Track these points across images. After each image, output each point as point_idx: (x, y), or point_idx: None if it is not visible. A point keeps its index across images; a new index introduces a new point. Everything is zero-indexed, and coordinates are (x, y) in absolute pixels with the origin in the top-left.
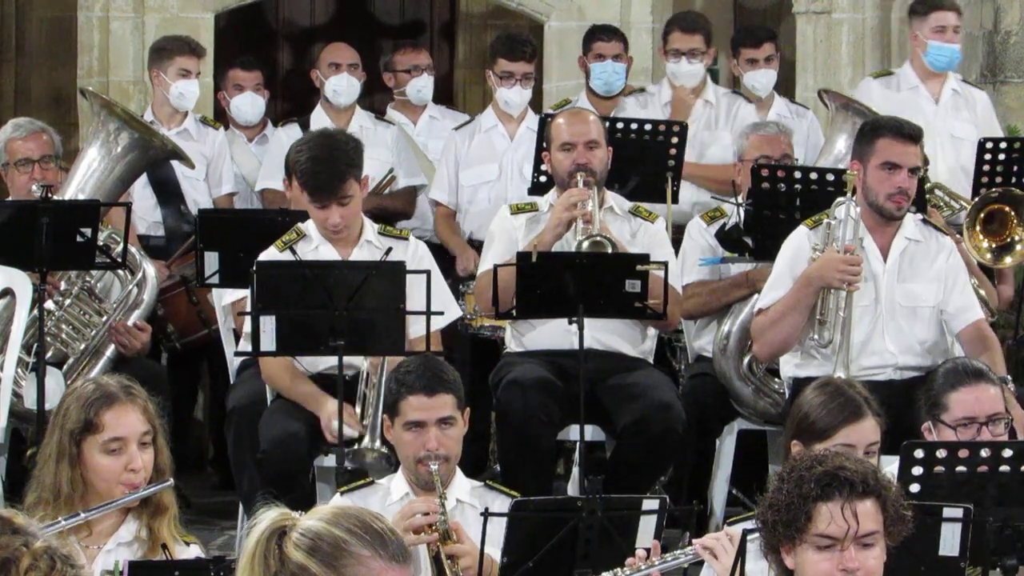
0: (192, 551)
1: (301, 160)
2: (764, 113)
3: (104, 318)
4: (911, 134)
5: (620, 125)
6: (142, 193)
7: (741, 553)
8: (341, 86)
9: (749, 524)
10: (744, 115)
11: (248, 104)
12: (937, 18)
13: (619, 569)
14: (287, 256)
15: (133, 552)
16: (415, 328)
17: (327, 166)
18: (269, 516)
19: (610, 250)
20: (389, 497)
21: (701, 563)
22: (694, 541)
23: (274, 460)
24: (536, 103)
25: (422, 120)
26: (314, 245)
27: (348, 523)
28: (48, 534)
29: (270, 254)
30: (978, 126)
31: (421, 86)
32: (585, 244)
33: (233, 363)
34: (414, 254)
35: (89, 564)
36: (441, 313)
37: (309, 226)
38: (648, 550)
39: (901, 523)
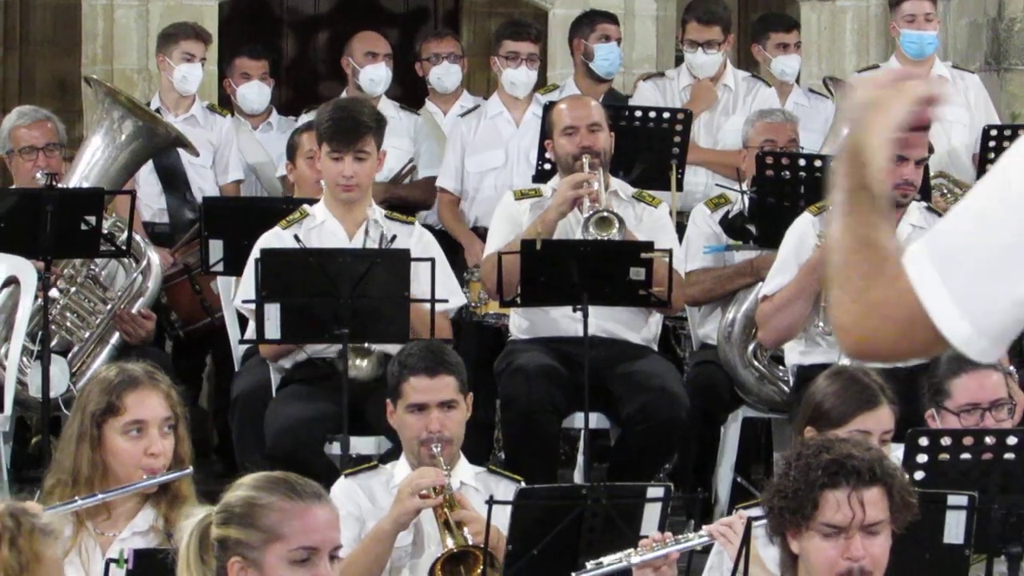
0: None
1: (324, 113)
2: (784, 99)
3: (109, 306)
4: (918, 127)
5: (626, 112)
6: (147, 180)
7: (746, 540)
8: (379, 75)
9: (758, 511)
10: (763, 99)
11: (255, 93)
12: (907, 7)
13: (632, 550)
14: (290, 233)
15: (148, 541)
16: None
17: (349, 115)
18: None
19: (617, 226)
20: (392, 480)
21: (709, 548)
22: (705, 527)
23: (283, 448)
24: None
25: (452, 110)
26: (319, 221)
27: (254, 483)
28: (53, 511)
29: (273, 233)
30: (970, 109)
31: (441, 74)
32: (592, 220)
33: (238, 351)
34: (419, 239)
35: (104, 551)
36: (445, 300)
37: (313, 207)
38: (661, 534)
39: (907, 510)
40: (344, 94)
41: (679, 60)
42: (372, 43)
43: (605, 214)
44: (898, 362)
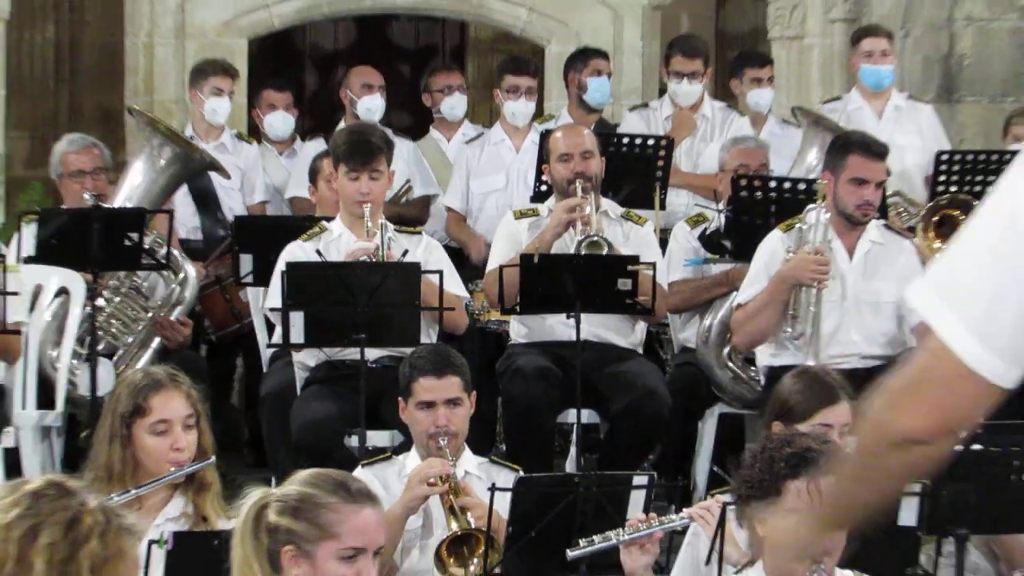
0: (233, 524)
1: (340, 137)
2: (759, 129)
3: (150, 314)
4: (878, 152)
5: (614, 139)
6: (183, 201)
7: (721, 523)
8: (375, 105)
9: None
10: (737, 127)
11: (280, 121)
12: (866, 44)
13: (620, 530)
14: (312, 246)
15: (180, 526)
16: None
17: (363, 138)
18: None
19: (605, 249)
20: (404, 470)
21: (687, 529)
22: (685, 510)
23: (307, 442)
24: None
25: (456, 137)
26: (336, 235)
27: (313, 480)
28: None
29: (296, 245)
30: (923, 135)
31: (453, 104)
32: (584, 243)
33: (265, 354)
34: (426, 247)
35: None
36: (452, 309)
37: (331, 224)
38: (646, 516)
39: None
40: (342, 123)
41: (662, 92)
42: (368, 76)
43: (595, 238)
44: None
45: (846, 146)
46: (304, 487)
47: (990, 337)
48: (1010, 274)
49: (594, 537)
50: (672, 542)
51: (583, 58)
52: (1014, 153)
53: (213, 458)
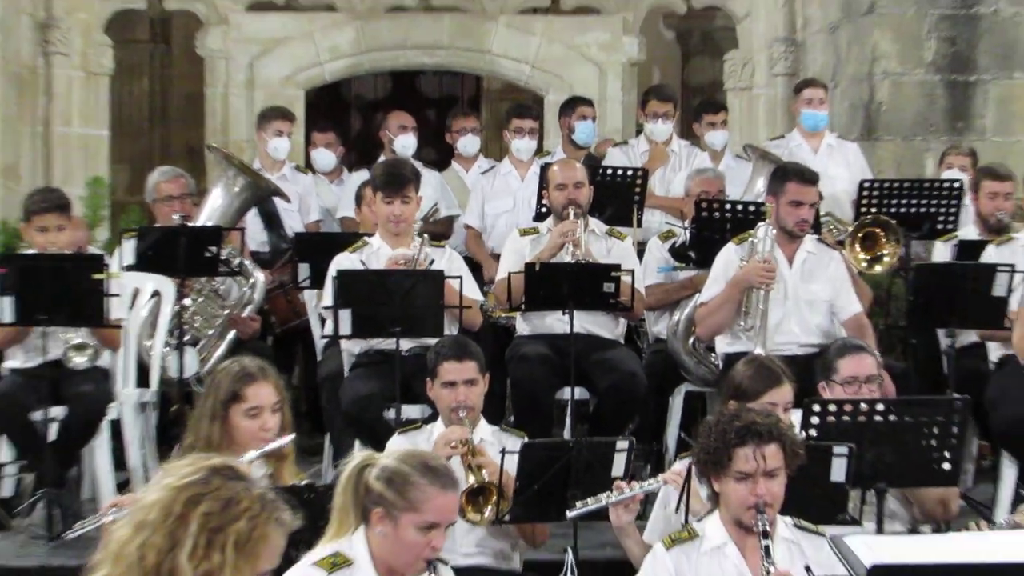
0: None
1: (378, 170)
2: (717, 162)
3: (226, 311)
4: (811, 179)
5: (600, 170)
6: (252, 221)
7: (688, 480)
8: (409, 143)
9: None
10: (699, 160)
11: (323, 156)
12: (806, 94)
13: (610, 492)
14: (356, 257)
15: None
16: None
17: (396, 171)
18: (356, 457)
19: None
20: (431, 436)
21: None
22: (660, 476)
23: (355, 415)
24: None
25: (473, 169)
26: (375, 248)
27: (412, 461)
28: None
29: (344, 256)
30: (850, 168)
31: (469, 143)
32: (576, 261)
33: (320, 344)
34: (449, 257)
35: None
36: (469, 307)
37: (371, 239)
38: (629, 479)
39: (796, 459)
40: (382, 157)
41: (639, 132)
42: (402, 119)
43: (582, 262)
44: None
45: (784, 175)
46: (401, 463)
47: None
48: None
49: (588, 500)
50: (648, 499)
51: (572, 105)
52: (925, 181)
53: (293, 435)
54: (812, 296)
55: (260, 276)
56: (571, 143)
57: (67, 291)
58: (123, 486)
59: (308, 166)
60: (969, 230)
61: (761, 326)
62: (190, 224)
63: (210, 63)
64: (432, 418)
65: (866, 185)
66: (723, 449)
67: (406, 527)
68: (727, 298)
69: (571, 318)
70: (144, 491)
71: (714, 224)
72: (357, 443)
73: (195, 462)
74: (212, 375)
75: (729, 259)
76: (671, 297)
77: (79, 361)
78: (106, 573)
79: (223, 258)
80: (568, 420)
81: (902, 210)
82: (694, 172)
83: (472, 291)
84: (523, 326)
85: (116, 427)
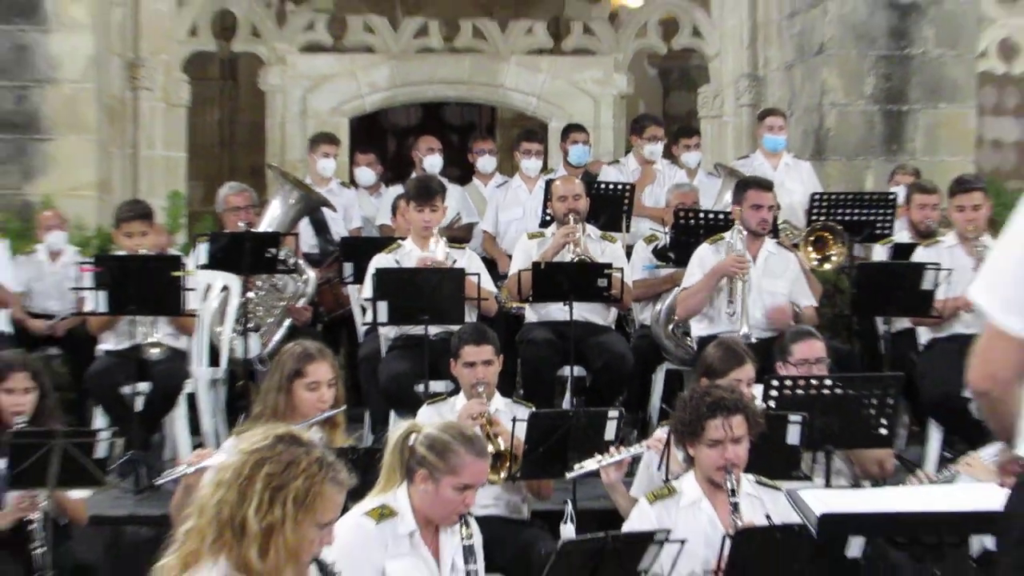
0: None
1: (410, 184)
2: (692, 178)
3: (283, 303)
4: (766, 186)
5: (595, 185)
6: (305, 227)
7: (668, 445)
8: (436, 162)
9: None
10: (678, 177)
11: (365, 173)
12: (767, 122)
13: (600, 456)
14: (392, 257)
15: None
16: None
17: (426, 184)
18: (403, 425)
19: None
20: (455, 408)
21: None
22: (644, 442)
23: (391, 389)
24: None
25: (490, 183)
26: (408, 250)
27: (452, 431)
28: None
29: (381, 256)
30: (804, 183)
31: (486, 162)
32: (575, 260)
33: (360, 330)
34: (469, 258)
35: None
36: (486, 299)
37: (404, 242)
38: (619, 443)
39: (757, 426)
40: (413, 174)
41: (627, 151)
42: (431, 142)
43: (582, 257)
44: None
45: (745, 185)
46: (443, 433)
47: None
48: None
49: (584, 462)
50: (634, 461)
51: (567, 132)
52: (866, 193)
53: (344, 406)
54: (773, 289)
55: (311, 273)
56: (568, 163)
57: (151, 286)
58: (197, 447)
59: (352, 182)
60: (902, 235)
61: (742, 311)
62: (253, 230)
63: (270, 96)
64: (455, 392)
65: (816, 197)
66: (696, 420)
67: (445, 487)
68: (704, 285)
69: (571, 308)
70: (226, 455)
71: (690, 230)
72: (392, 413)
73: (265, 431)
74: (278, 354)
75: (703, 256)
76: (654, 290)
77: (153, 353)
78: (193, 523)
79: (281, 258)
80: (568, 393)
81: (847, 218)
82: (673, 186)
83: (488, 285)
84: (531, 314)
85: (192, 400)
